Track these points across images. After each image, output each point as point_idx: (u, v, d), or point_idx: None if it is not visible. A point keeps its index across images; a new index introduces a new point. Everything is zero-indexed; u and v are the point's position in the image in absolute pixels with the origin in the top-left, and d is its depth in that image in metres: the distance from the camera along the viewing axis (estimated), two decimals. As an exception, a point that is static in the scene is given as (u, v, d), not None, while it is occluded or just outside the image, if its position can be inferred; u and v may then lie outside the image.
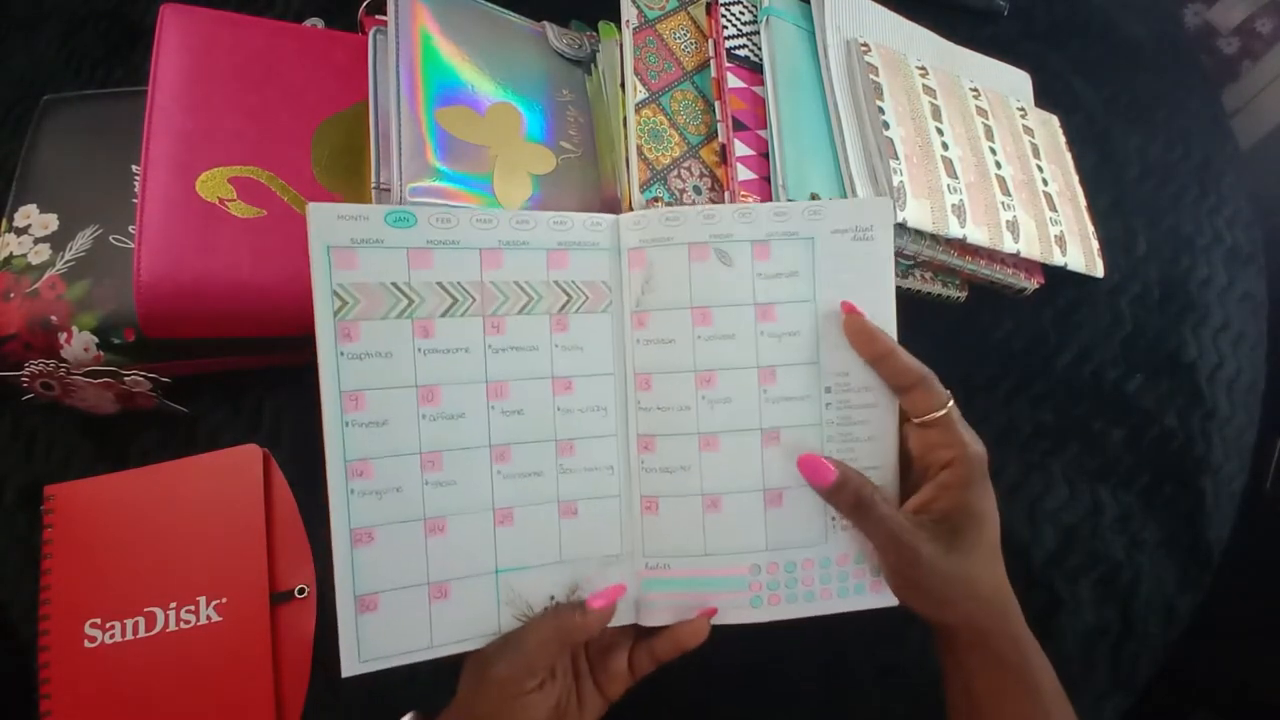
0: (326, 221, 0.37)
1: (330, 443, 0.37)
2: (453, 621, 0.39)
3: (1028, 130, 0.62)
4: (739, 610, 0.41)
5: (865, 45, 0.55)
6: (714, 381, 0.41)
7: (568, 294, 0.41)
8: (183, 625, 0.44)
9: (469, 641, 0.39)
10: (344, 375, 0.37)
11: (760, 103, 0.53)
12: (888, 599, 0.42)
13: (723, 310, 0.41)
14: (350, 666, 0.37)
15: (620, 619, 0.41)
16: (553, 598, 0.40)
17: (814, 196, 0.50)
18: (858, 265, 0.42)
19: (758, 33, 0.55)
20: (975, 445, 0.39)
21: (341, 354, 0.37)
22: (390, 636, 0.38)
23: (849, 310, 0.41)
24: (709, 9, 0.56)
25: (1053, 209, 0.59)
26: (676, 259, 0.41)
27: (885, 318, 0.42)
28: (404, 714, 0.42)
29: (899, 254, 0.54)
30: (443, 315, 0.39)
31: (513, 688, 0.37)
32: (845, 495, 0.40)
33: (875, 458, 0.41)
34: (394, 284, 0.38)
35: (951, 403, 0.39)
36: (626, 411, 0.42)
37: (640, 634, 0.42)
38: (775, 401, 0.42)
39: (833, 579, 0.42)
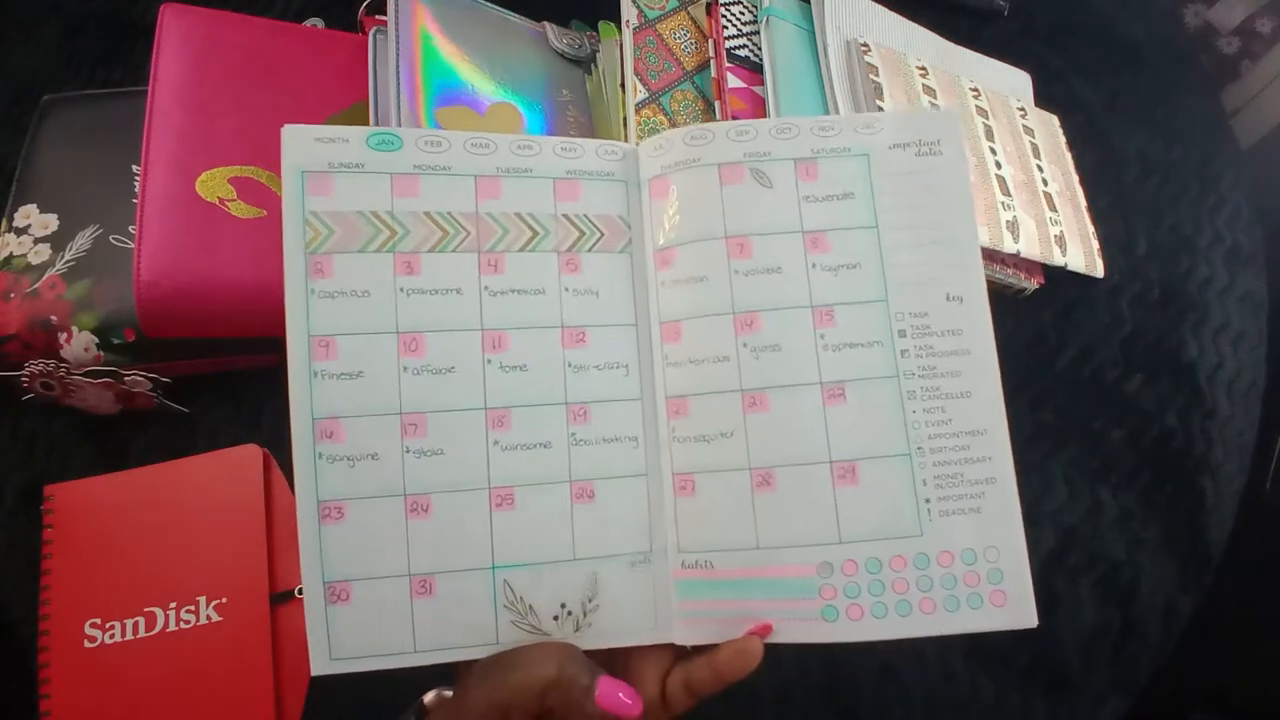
0: (302, 144, 0.33)
1: (296, 396, 0.32)
2: (439, 624, 0.32)
3: (1028, 130, 0.62)
4: (806, 625, 0.32)
5: (865, 45, 0.55)
6: (757, 324, 0.34)
7: (579, 230, 0.35)
8: (183, 625, 0.44)
9: (461, 650, 0.32)
10: (314, 316, 0.32)
11: (760, 103, 0.53)
12: (1019, 617, 0.32)
13: (764, 239, 0.34)
14: (320, 664, 0.32)
15: (649, 637, 0.33)
16: (564, 606, 0.33)
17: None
18: (926, 184, 0.35)
19: (758, 33, 0.55)
20: None
21: (312, 291, 0.32)
22: (365, 634, 0.32)
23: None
24: (709, 9, 0.56)
25: (1053, 209, 0.59)
26: (706, 183, 0.35)
27: (967, 248, 0.35)
28: (424, 694, 0.36)
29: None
30: (430, 250, 0.34)
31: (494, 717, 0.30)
32: None
33: (976, 419, 0.34)
34: (374, 213, 0.33)
35: None
36: (652, 370, 0.35)
37: (679, 654, 0.33)
38: (836, 349, 0.34)
39: (935, 585, 0.32)
